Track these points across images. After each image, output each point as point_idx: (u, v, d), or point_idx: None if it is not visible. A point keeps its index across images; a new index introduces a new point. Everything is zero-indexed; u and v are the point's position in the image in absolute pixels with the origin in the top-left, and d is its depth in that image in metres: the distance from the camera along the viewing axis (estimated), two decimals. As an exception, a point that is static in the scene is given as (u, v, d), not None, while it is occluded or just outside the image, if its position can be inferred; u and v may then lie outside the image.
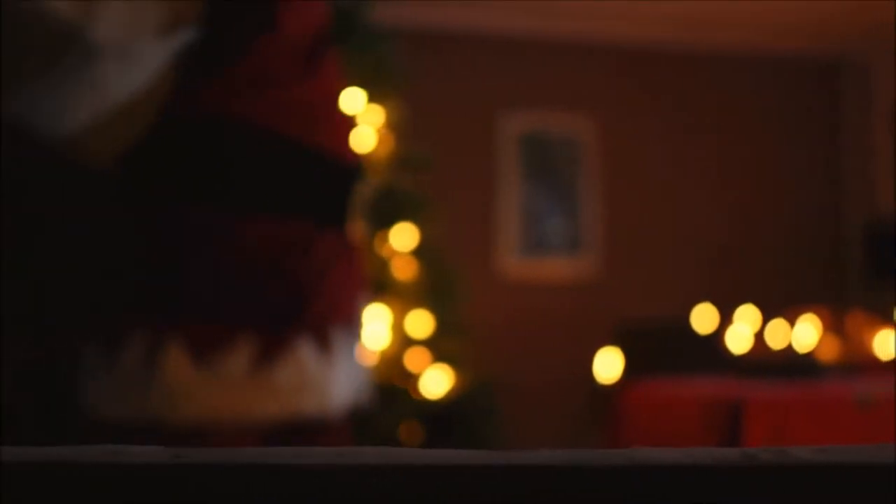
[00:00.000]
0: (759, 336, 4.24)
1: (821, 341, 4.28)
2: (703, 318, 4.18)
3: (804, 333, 4.28)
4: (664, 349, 4.09)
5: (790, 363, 3.02)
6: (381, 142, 3.01)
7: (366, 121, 2.96)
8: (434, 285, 3.05)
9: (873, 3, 5.40)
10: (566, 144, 5.67)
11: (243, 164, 1.52)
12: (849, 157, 6.17)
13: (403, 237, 3.03)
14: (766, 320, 4.34)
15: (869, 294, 5.33)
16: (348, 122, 1.95)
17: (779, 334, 4.29)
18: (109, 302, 1.53)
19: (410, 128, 3.16)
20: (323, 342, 1.53)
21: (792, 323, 4.36)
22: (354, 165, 1.68)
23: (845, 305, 4.79)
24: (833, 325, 4.35)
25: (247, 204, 1.50)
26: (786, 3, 5.44)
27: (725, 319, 4.29)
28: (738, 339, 4.15)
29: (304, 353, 1.50)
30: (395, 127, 3.06)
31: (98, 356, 1.49)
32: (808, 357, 3.81)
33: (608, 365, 4.31)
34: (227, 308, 1.46)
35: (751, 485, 0.51)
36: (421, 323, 3.00)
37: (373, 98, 2.98)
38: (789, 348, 4.07)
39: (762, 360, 3.81)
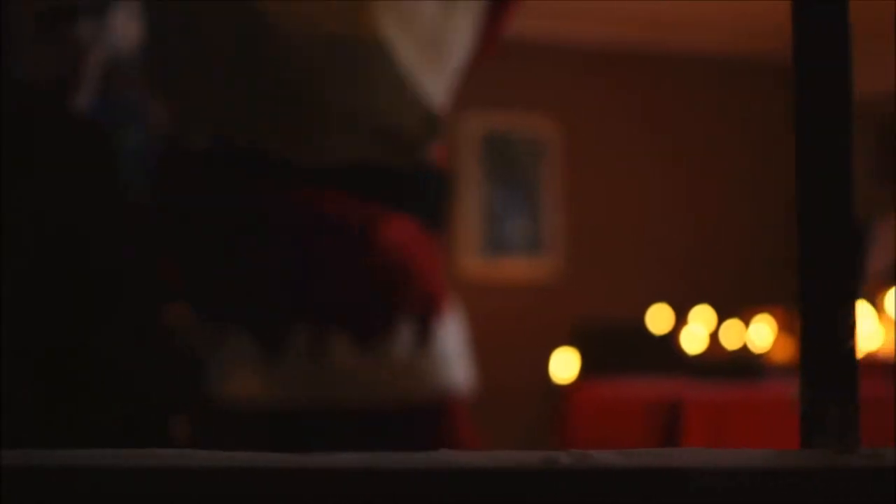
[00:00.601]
0: (714, 336, 4.25)
1: (775, 341, 4.30)
2: (659, 318, 4.20)
3: (758, 334, 4.30)
4: (620, 350, 4.11)
5: (736, 364, 3.04)
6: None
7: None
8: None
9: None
10: (529, 145, 5.68)
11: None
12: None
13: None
14: (722, 321, 4.35)
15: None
16: None
17: (733, 335, 4.31)
18: (266, 298, 1.55)
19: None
20: (449, 323, 1.61)
21: (747, 323, 4.38)
22: (447, 173, 1.77)
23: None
24: (787, 326, 4.37)
25: (387, 204, 1.57)
26: (749, 5, 5.46)
27: (681, 320, 4.30)
28: (693, 340, 4.16)
29: (447, 332, 1.57)
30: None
31: (254, 350, 1.51)
32: (754, 358, 3.83)
33: (564, 365, 4.32)
34: (382, 296, 1.51)
35: (549, 489, 0.51)
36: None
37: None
38: (742, 349, 4.09)
39: (710, 360, 3.82)
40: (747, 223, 5.92)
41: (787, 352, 4.24)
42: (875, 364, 3.86)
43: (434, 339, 1.53)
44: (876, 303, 4.30)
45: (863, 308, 4.26)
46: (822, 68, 0.55)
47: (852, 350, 0.54)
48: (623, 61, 5.87)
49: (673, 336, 4.19)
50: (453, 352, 1.58)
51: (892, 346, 4.10)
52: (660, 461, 0.52)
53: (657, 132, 5.89)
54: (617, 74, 5.86)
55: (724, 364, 3.31)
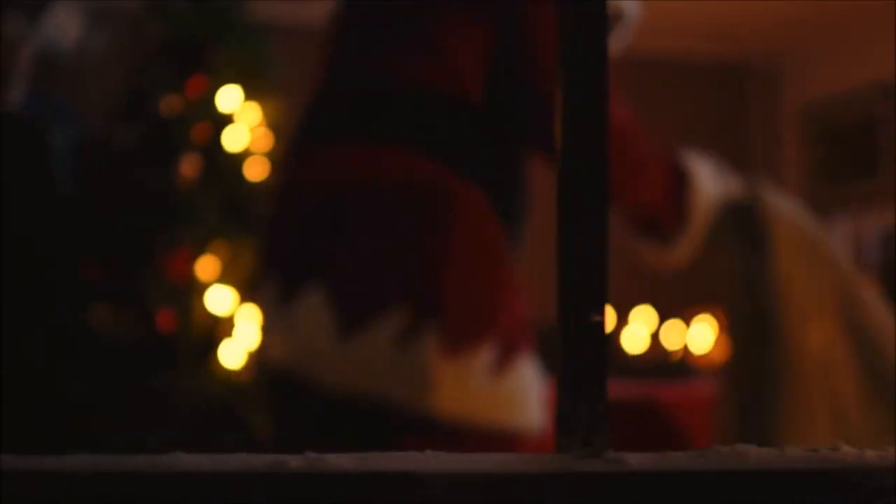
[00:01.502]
0: (656, 337, 4.27)
1: (716, 342, 4.32)
2: (600, 318, 4.20)
3: (699, 334, 4.32)
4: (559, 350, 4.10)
5: (665, 364, 3.05)
6: (258, 140, 2.99)
7: (241, 119, 2.94)
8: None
9: (781, 8, 5.47)
10: None
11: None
12: (758, 160, 6.25)
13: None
14: (663, 321, 4.38)
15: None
16: None
17: (674, 335, 4.33)
18: (360, 273, 1.49)
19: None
20: (533, 359, 1.54)
21: (688, 323, 4.40)
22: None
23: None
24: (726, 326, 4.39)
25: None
26: (694, 7, 5.49)
27: (622, 320, 4.31)
28: (633, 340, 4.18)
29: (527, 365, 1.49)
30: (275, 125, 3.03)
31: (332, 323, 1.44)
32: (682, 359, 3.85)
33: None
34: (477, 309, 1.45)
35: (277, 493, 0.50)
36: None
37: (249, 96, 2.96)
38: (674, 350, 4.11)
39: (641, 361, 3.84)
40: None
41: (728, 352, 4.26)
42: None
43: (512, 371, 1.46)
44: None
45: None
46: (581, 89, 0.54)
47: (602, 353, 0.54)
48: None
49: (614, 336, 4.20)
50: (528, 393, 1.49)
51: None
52: (392, 465, 0.50)
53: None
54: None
55: (655, 365, 3.33)
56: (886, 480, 0.52)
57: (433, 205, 1.46)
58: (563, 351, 0.54)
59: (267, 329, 1.52)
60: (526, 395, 1.46)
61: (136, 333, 2.78)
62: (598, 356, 0.54)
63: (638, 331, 4.26)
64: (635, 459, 0.52)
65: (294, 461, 0.50)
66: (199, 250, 2.81)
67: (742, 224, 1.71)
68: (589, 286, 0.54)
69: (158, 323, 2.77)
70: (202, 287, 2.79)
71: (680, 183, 1.67)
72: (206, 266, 2.81)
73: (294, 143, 1.66)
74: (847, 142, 5.78)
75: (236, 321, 2.79)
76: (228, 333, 2.76)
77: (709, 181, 1.69)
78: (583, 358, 0.54)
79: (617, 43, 1.71)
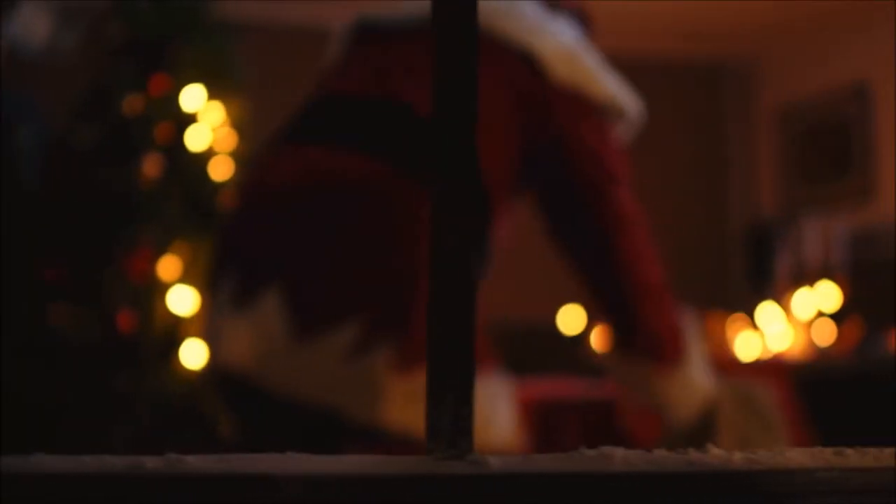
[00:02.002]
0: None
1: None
2: (570, 319, 4.21)
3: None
4: (531, 350, 4.11)
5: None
6: (222, 139, 2.98)
7: (205, 118, 2.93)
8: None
9: (756, 9, 5.49)
10: None
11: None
12: (734, 161, 6.27)
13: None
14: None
15: (751, 296, 5.41)
16: None
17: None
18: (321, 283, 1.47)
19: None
20: (494, 372, 1.53)
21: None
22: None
23: (727, 308, 4.85)
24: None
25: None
26: (671, 8, 5.50)
27: (593, 321, 4.31)
28: (604, 341, 4.17)
29: (488, 381, 1.49)
30: (239, 125, 3.03)
31: (288, 328, 1.42)
32: None
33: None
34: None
35: (133, 494, 0.49)
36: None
37: (213, 95, 2.95)
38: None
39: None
40: (659, 224, 5.96)
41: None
42: (781, 366, 3.90)
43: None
44: (783, 303, 4.35)
45: (771, 309, 4.31)
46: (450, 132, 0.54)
47: (469, 358, 0.54)
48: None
49: (584, 337, 4.21)
50: (490, 407, 1.48)
51: (800, 347, 4.14)
52: (250, 467, 0.50)
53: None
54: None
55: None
56: (751, 482, 0.52)
57: (401, 221, 1.45)
58: (430, 357, 0.54)
59: (221, 330, 1.51)
60: (487, 409, 1.46)
61: (97, 333, 2.77)
62: (465, 362, 0.54)
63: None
64: (497, 461, 0.52)
65: (151, 462, 0.50)
66: (160, 250, 2.80)
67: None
68: (456, 289, 0.54)
69: (119, 323, 2.75)
70: (164, 287, 2.78)
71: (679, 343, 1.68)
72: (167, 266, 2.80)
73: (270, 145, 1.66)
74: (821, 143, 5.80)
75: (198, 321, 2.78)
76: (190, 333, 2.75)
77: (699, 366, 1.71)
78: (448, 363, 0.54)
79: (622, 138, 1.78)
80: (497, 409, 1.49)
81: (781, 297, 4.44)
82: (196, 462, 0.50)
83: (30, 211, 2.86)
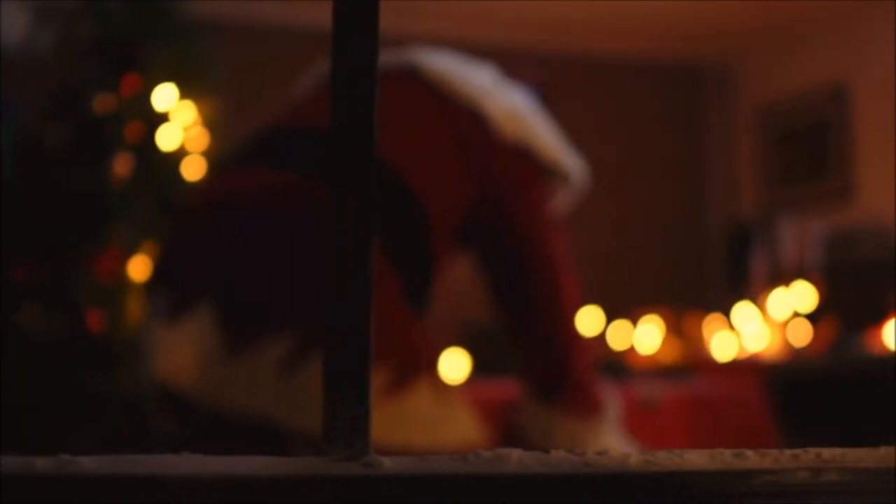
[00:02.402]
0: (602, 337, 4.28)
1: (663, 342, 4.34)
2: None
3: (645, 335, 4.33)
4: (504, 351, 4.10)
5: (598, 366, 3.04)
6: (194, 139, 2.97)
7: (177, 118, 2.92)
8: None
9: (735, 11, 5.50)
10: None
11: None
12: (713, 161, 6.29)
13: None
14: (610, 321, 4.38)
15: (730, 296, 5.43)
16: None
17: (620, 335, 4.34)
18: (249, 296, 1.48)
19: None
20: (437, 380, 1.54)
21: (635, 324, 4.41)
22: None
23: (706, 308, 4.86)
24: (674, 327, 4.41)
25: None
26: (650, 9, 5.51)
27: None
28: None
29: (429, 386, 1.50)
30: (211, 124, 3.02)
31: (220, 342, 1.43)
32: (615, 360, 3.86)
33: (454, 366, 4.31)
34: (377, 332, 1.44)
35: (22, 495, 0.49)
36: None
37: (185, 95, 2.94)
38: (609, 351, 4.12)
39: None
40: (636, 223, 5.98)
41: (675, 353, 4.28)
42: (755, 365, 3.91)
43: (411, 392, 1.46)
44: (760, 303, 4.36)
45: (747, 309, 4.32)
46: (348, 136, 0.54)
47: (364, 361, 0.53)
48: (522, 63, 5.89)
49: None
50: (444, 415, 1.50)
51: (776, 348, 4.15)
52: (139, 469, 0.50)
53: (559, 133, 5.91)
54: (515, 76, 5.87)
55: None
56: (647, 483, 0.52)
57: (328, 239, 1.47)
58: (326, 359, 0.53)
59: (156, 344, 1.53)
60: (436, 409, 1.47)
61: (67, 333, 2.76)
62: (361, 364, 0.54)
63: (584, 331, 4.26)
64: (391, 462, 0.51)
65: (41, 462, 0.50)
66: (131, 250, 2.79)
67: None
68: (352, 291, 0.54)
69: (89, 323, 2.74)
70: (134, 287, 2.77)
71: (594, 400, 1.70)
72: (138, 266, 2.79)
73: (215, 166, 1.71)
74: (799, 143, 5.82)
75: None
76: (160, 334, 2.74)
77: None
78: (345, 365, 0.53)
79: (564, 202, 1.84)
80: (448, 408, 1.50)
81: (758, 298, 4.45)
82: (87, 463, 0.50)
83: (3, 210, 2.84)
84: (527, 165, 1.69)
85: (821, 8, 5.40)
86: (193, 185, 1.87)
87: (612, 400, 1.76)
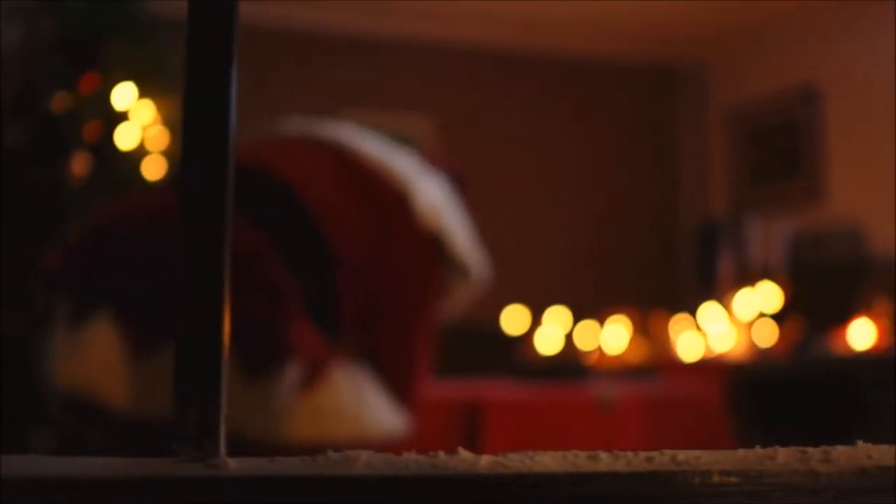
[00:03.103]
0: (569, 337, 4.29)
1: (630, 343, 4.35)
2: (513, 319, 4.22)
3: (613, 335, 4.34)
4: (472, 351, 4.11)
5: (560, 366, 3.06)
6: (153, 138, 2.96)
7: (136, 117, 2.91)
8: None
9: (708, 12, 5.52)
10: (402, 144, 5.66)
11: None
12: (685, 162, 6.30)
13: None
14: (577, 321, 4.39)
15: (699, 296, 5.44)
16: None
17: (588, 336, 4.35)
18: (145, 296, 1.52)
19: (245, 127, 3.03)
20: (352, 371, 1.58)
21: (602, 324, 4.42)
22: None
23: (676, 307, 4.87)
24: (641, 327, 4.42)
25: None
26: (624, 11, 5.52)
27: (536, 321, 4.32)
28: (546, 341, 4.19)
29: (339, 379, 1.53)
30: (170, 123, 3.00)
31: (121, 345, 1.45)
32: (576, 360, 3.87)
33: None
34: (279, 331, 1.47)
35: None
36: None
37: (144, 93, 2.92)
38: (569, 351, 4.13)
39: (538, 362, 3.85)
40: (607, 223, 5.99)
41: (642, 353, 4.29)
42: (720, 366, 3.92)
43: (322, 388, 1.49)
44: (726, 304, 4.37)
45: (714, 309, 4.33)
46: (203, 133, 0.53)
47: (216, 362, 0.53)
48: (497, 63, 5.90)
49: (527, 337, 4.21)
50: (350, 407, 1.53)
51: (742, 348, 4.16)
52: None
53: (532, 132, 5.93)
54: (492, 76, 5.88)
55: (550, 366, 3.33)
56: (495, 486, 0.52)
57: (244, 248, 1.52)
58: (176, 360, 0.53)
59: (55, 352, 1.54)
60: (354, 403, 1.48)
61: (25, 333, 2.74)
62: (210, 364, 0.53)
63: (551, 332, 4.27)
64: (237, 464, 0.51)
65: None
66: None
67: None
68: (204, 294, 0.53)
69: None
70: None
71: None
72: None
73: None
74: (770, 144, 5.85)
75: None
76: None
77: None
78: (193, 367, 0.53)
79: (463, 298, 1.97)
80: (367, 402, 1.53)
81: (724, 298, 4.46)
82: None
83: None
84: (434, 254, 1.82)
85: (792, 10, 5.42)
86: (104, 206, 2.01)
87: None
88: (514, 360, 3.56)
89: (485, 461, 0.52)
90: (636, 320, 4.43)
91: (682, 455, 0.54)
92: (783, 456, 0.56)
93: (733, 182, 6.07)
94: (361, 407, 1.53)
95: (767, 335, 4.12)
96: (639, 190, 6.14)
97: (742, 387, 3.54)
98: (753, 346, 4.11)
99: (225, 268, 0.53)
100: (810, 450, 0.57)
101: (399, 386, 1.77)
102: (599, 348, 4.27)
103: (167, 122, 2.99)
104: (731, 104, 6.09)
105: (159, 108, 2.96)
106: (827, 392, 3.71)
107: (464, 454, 0.53)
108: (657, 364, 4.04)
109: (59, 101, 2.85)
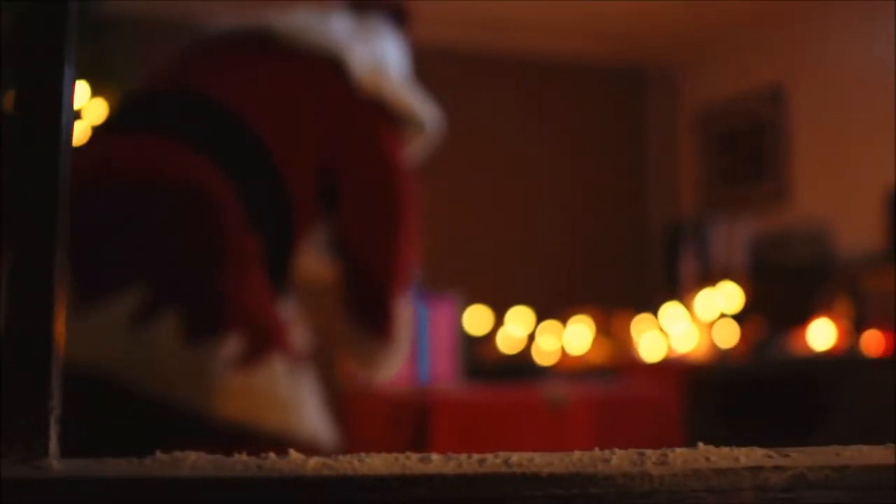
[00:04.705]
0: (532, 337, 4.29)
1: (593, 343, 4.36)
2: (476, 320, 4.22)
3: (575, 335, 4.35)
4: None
5: (518, 366, 3.06)
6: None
7: (88, 115, 2.89)
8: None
9: (677, 13, 5.54)
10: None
11: None
12: (653, 163, 6.32)
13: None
14: (540, 321, 4.40)
15: (664, 296, 5.46)
16: None
17: (551, 336, 4.36)
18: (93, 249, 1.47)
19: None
20: (294, 363, 1.54)
21: (565, 324, 4.43)
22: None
23: (642, 307, 4.88)
24: (603, 327, 4.43)
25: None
26: (592, 11, 5.53)
27: (499, 321, 4.32)
28: (508, 341, 4.20)
29: (278, 367, 1.49)
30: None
31: (67, 299, 1.41)
32: (532, 360, 3.88)
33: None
34: (220, 300, 1.44)
35: None
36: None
37: (97, 92, 2.91)
38: (523, 351, 4.13)
39: (496, 362, 3.86)
40: (576, 224, 6.00)
41: (604, 353, 4.30)
42: (681, 366, 3.93)
43: (263, 369, 1.45)
44: (688, 304, 4.39)
45: (676, 309, 4.35)
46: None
47: (46, 354, 0.53)
48: (466, 63, 5.90)
49: (489, 338, 4.21)
50: (282, 396, 1.49)
51: (703, 348, 4.18)
52: None
53: (502, 133, 5.93)
54: (460, 76, 5.88)
55: (505, 366, 3.34)
56: (322, 488, 0.52)
57: (189, 200, 1.47)
58: (5, 362, 0.53)
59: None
60: (281, 396, 1.46)
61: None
62: (42, 367, 0.53)
63: (513, 331, 4.27)
64: (62, 465, 0.51)
65: None
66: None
67: None
68: (33, 295, 0.53)
69: None
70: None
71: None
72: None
73: (94, 132, 1.72)
74: (737, 146, 5.87)
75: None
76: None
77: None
78: (22, 368, 0.53)
79: (419, 149, 1.93)
80: (300, 398, 1.51)
81: (687, 298, 4.48)
82: None
83: None
84: (382, 115, 1.75)
85: (759, 11, 5.45)
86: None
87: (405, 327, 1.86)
88: (472, 361, 3.56)
89: (312, 463, 0.53)
90: (599, 321, 4.44)
91: (516, 457, 0.55)
92: (618, 458, 0.56)
93: (701, 183, 6.10)
94: (294, 399, 1.50)
95: (728, 335, 4.14)
96: (607, 191, 6.16)
97: (701, 387, 3.56)
98: (714, 346, 4.13)
99: (55, 270, 0.53)
100: (648, 451, 0.58)
101: (382, 300, 1.76)
102: (562, 348, 4.28)
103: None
104: (699, 106, 6.12)
105: (111, 107, 2.95)
106: (786, 392, 3.73)
107: (294, 455, 0.53)
108: (619, 364, 4.05)
109: (10, 101, 2.84)
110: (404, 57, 1.90)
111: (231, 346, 1.41)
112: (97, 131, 1.67)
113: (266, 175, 1.59)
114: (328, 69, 1.67)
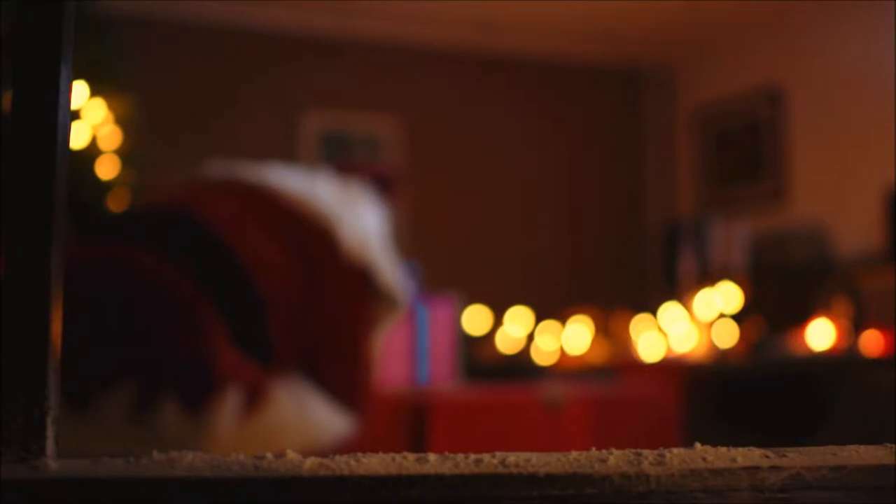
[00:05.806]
0: (531, 337, 4.29)
1: (592, 343, 4.36)
2: (475, 319, 4.21)
3: (574, 335, 4.35)
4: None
5: (516, 366, 3.06)
6: (105, 137, 2.95)
7: (87, 116, 2.89)
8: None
9: (674, 13, 5.54)
10: (368, 144, 5.67)
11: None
12: (651, 163, 6.33)
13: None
14: (539, 321, 4.40)
15: (663, 296, 5.46)
16: None
17: (550, 336, 4.36)
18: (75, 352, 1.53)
19: (216, 125, 3.01)
20: (290, 385, 1.60)
21: (564, 324, 4.43)
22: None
23: (641, 308, 4.88)
24: (603, 327, 4.43)
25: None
26: (591, 12, 5.53)
27: (498, 321, 4.32)
28: (507, 341, 4.19)
29: (281, 395, 1.55)
30: (123, 122, 2.99)
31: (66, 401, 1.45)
32: (531, 360, 3.88)
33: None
34: (209, 364, 1.50)
35: None
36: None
37: (95, 92, 2.91)
38: (522, 351, 4.13)
39: (495, 362, 3.86)
40: (574, 224, 6.00)
41: (603, 353, 4.30)
42: (680, 366, 3.93)
43: (265, 407, 1.51)
44: (687, 304, 4.39)
45: (675, 310, 4.35)
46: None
47: (44, 358, 0.53)
48: (463, 63, 5.90)
49: (488, 338, 4.21)
50: (294, 417, 1.55)
51: (702, 348, 4.18)
52: None
53: (499, 133, 5.94)
54: (458, 76, 5.89)
55: (503, 366, 3.34)
56: (312, 486, 0.52)
57: (155, 293, 1.54)
58: (3, 363, 0.53)
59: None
60: (293, 419, 1.50)
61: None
62: (38, 367, 0.53)
63: (513, 331, 4.27)
64: (58, 465, 0.51)
65: None
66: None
67: None
68: (30, 297, 0.53)
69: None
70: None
71: None
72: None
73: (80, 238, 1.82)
74: (735, 145, 5.88)
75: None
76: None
77: None
78: (18, 369, 0.53)
79: (388, 325, 2.02)
80: (310, 411, 1.53)
81: (685, 298, 4.48)
82: None
83: None
84: (363, 287, 1.87)
85: (757, 11, 5.45)
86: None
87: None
88: (471, 361, 3.56)
89: (309, 463, 0.53)
90: (598, 321, 4.44)
91: (513, 457, 0.55)
92: (615, 458, 0.56)
93: (699, 183, 6.10)
94: (305, 417, 1.55)
95: (727, 335, 4.14)
96: (605, 191, 6.16)
97: (700, 387, 3.56)
98: (713, 346, 4.13)
99: (51, 270, 0.53)
100: (645, 452, 0.58)
101: (349, 407, 1.80)
102: (561, 348, 4.28)
103: (119, 121, 2.98)
104: (697, 105, 6.12)
105: (111, 108, 2.95)
106: (785, 392, 3.73)
107: (291, 455, 0.53)
108: (618, 364, 4.05)
109: (7, 101, 2.84)
110: (383, 223, 2.01)
111: (231, 399, 1.46)
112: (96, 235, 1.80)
113: (245, 297, 1.66)
114: (323, 237, 1.80)
